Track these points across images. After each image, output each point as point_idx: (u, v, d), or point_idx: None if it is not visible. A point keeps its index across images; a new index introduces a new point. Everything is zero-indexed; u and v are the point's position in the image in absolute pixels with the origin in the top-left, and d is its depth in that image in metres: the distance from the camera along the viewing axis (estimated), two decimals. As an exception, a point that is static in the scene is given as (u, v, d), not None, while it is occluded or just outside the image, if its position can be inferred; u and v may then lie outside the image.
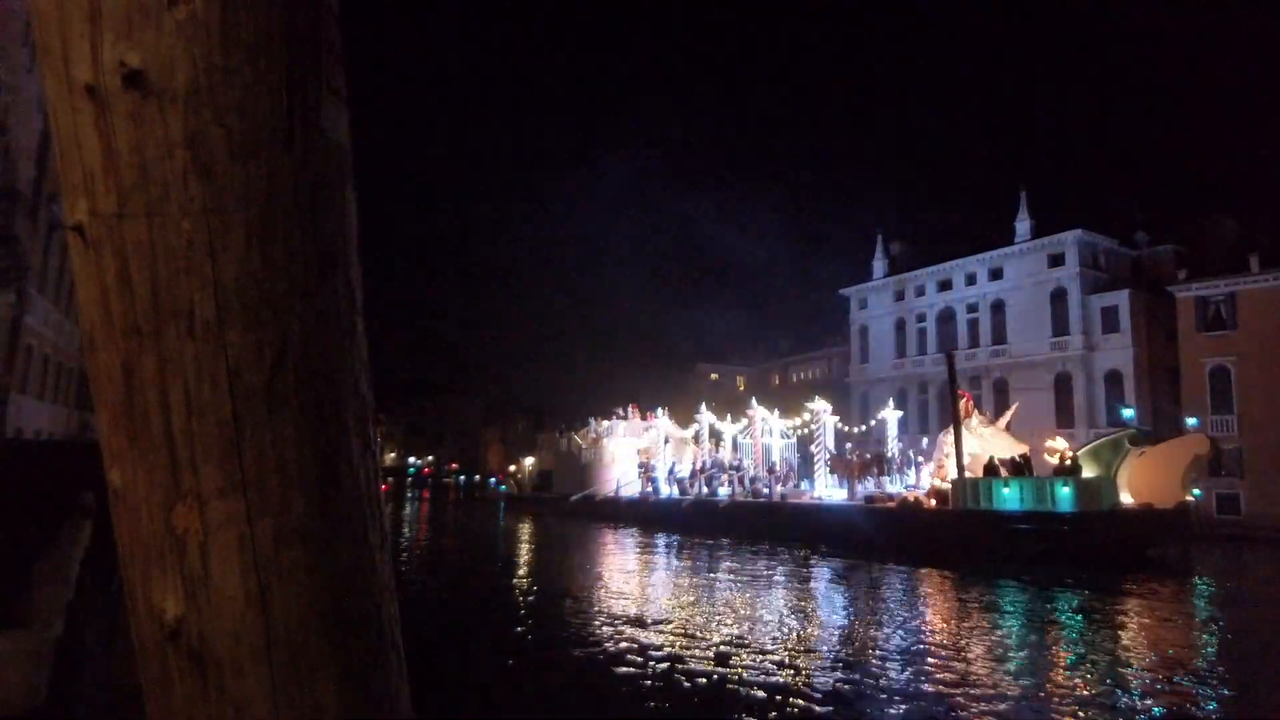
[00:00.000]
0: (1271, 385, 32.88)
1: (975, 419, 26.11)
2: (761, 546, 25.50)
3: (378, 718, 0.85)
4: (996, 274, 44.34)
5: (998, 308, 44.25)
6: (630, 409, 46.94)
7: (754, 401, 37.94)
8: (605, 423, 47.00)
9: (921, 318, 48.80)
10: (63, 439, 26.18)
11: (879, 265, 52.22)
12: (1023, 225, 43.18)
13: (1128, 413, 36.59)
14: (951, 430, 25.55)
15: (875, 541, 24.26)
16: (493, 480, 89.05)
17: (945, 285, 47.44)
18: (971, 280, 45.71)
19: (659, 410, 43.44)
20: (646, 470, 40.31)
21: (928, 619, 14.38)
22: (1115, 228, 42.55)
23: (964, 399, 26.09)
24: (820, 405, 33.20)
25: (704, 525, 31.09)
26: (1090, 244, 40.96)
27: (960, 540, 22.45)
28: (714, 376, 74.50)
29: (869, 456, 32.55)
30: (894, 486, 30.39)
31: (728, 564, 21.80)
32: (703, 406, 40.51)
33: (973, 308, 45.57)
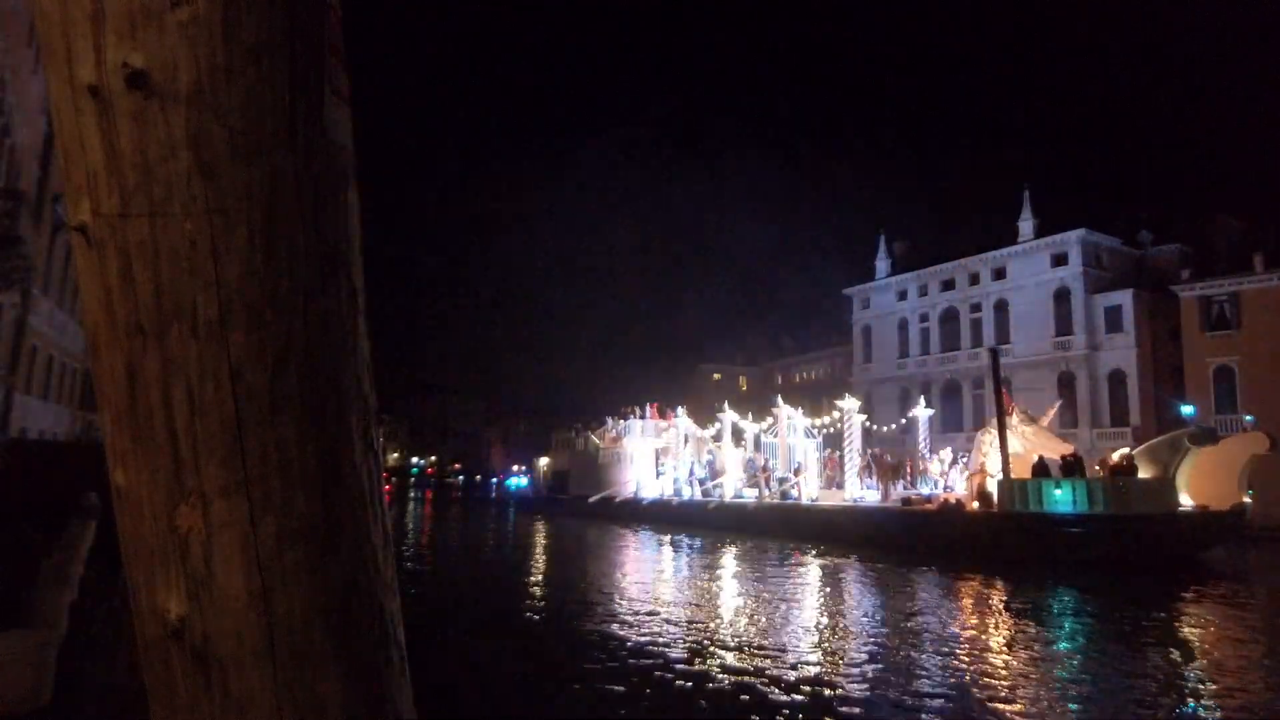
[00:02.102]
0: (1276, 385, 32.77)
1: (1015, 417, 25.00)
2: (792, 550, 24.62)
3: (380, 717, 0.85)
4: (1000, 273, 44.21)
5: (1001, 307, 44.14)
6: (649, 408, 45.78)
7: (779, 400, 36.66)
8: (623, 422, 45.82)
9: (924, 318, 48.70)
10: (66, 439, 26.23)
11: (882, 265, 52.15)
12: (1026, 225, 43.07)
13: (1187, 409, 35.02)
14: (988, 429, 24.72)
15: (913, 546, 23.27)
16: (494, 480, 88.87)
17: (948, 285, 47.31)
18: (975, 280, 45.60)
19: (678, 409, 42.38)
20: (667, 471, 39.37)
21: (978, 629, 13.65)
22: (1119, 227, 42.43)
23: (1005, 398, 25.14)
24: (849, 404, 31.98)
25: (730, 528, 30.17)
26: (1094, 243, 40.85)
27: (1006, 544, 21.43)
28: (716, 376, 74.30)
29: (890, 459, 31.80)
30: (925, 487, 29.45)
31: (757, 570, 21.05)
32: (726, 405, 39.09)
33: (976, 307, 45.47)
